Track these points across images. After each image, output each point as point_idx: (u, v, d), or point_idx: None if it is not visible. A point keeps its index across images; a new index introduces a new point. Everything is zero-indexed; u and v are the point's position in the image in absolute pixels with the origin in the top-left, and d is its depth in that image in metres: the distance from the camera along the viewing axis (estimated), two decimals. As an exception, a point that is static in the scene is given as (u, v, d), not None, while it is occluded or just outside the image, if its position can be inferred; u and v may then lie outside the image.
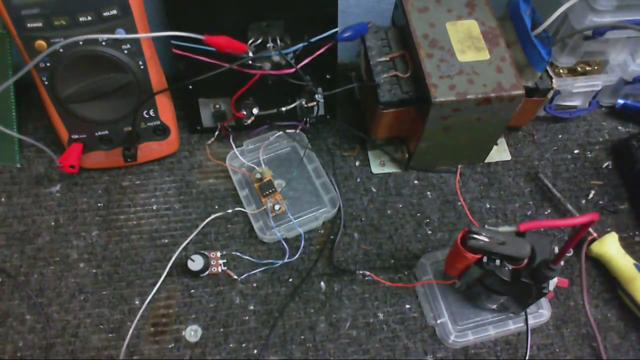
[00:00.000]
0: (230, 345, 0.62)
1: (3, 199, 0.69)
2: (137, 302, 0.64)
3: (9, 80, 0.58)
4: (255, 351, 0.62)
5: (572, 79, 0.72)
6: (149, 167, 0.72)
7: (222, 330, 0.63)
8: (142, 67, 0.62)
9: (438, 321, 0.63)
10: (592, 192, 0.73)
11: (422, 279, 0.65)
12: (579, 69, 0.73)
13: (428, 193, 0.72)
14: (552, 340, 0.64)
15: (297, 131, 0.73)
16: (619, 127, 0.78)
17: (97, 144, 0.68)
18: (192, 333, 0.62)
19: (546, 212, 0.71)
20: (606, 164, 0.75)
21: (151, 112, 0.67)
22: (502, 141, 0.76)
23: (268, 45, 0.63)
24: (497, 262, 0.53)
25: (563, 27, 0.68)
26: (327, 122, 0.76)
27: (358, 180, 0.72)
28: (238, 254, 0.66)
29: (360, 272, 0.65)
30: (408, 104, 0.65)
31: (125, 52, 0.60)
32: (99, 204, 0.69)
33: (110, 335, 0.62)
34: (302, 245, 0.67)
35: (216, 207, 0.70)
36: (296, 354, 0.62)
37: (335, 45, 0.66)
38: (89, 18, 0.57)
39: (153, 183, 0.71)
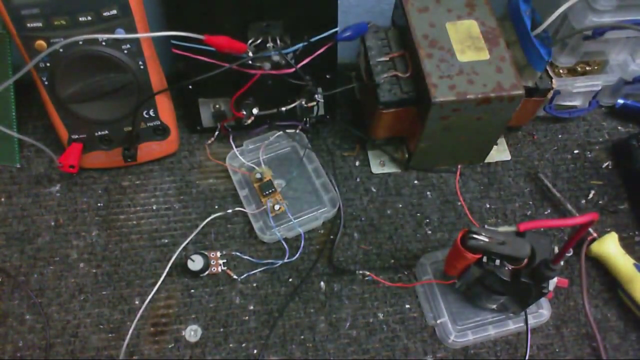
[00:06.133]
0: (230, 345, 0.62)
1: (3, 199, 0.69)
2: (137, 302, 0.64)
3: (9, 80, 0.58)
4: (255, 351, 0.62)
5: (572, 79, 0.72)
6: (149, 167, 0.72)
7: (222, 330, 0.63)
8: (142, 67, 0.62)
9: (438, 321, 0.63)
10: (592, 192, 0.73)
11: (422, 279, 0.65)
12: (578, 69, 0.73)
13: (428, 193, 0.72)
14: (552, 340, 0.64)
15: (297, 131, 0.73)
16: (619, 127, 0.78)
17: (97, 144, 0.68)
18: (192, 333, 0.62)
19: (546, 212, 0.72)
20: (606, 164, 0.75)
21: (151, 112, 0.67)
22: (502, 141, 0.76)
23: (268, 45, 0.63)
24: (497, 262, 0.53)
25: (563, 27, 0.68)
26: (327, 122, 0.76)
27: (358, 180, 0.72)
28: (238, 254, 0.66)
29: (360, 272, 0.65)
30: (408, 104, 0.65)
31: (125, 52, 0.60)
32: (99, 204, 0.69)
33: (110, 335, 0.62)
34: (302, 245, 0.67)
35: (216, 207, 0.70)
36: (296, 354, 0.62)
37: (335, 45, 0.66)
38: (89, 18, 0.57)
39: (153, 183, 0.71)
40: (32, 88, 0.63)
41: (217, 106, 0.71)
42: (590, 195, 0.73)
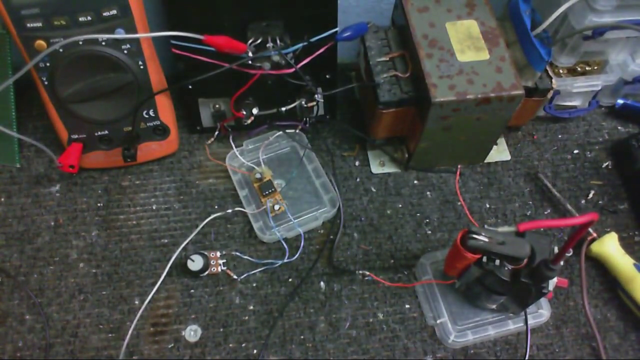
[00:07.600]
0: (230, 345, 0.62)
1: (3, 199, 0.69)
2: (136, 302, 0.64)
3: (9, 80, 0.58)
4: (255, 351, 0.62)
5: (572, 79, 0.72)
6: (149, 167, 0.72)
7: (221, 330, 0.63)
8: (141, 67, 0.62)
9: (438, 321, 0.63)
10: (592, 192, 0.73)
11: (421, 279, 0.65)
12: (578, 69, 0.73)
13: (428, 193, 0.72)
14: (552, 340, 0.64)
15: (297, 131, 0.73)
16: (619, 127, 0.78)
17: (97, 144, 0.68)
18: (192, 333, 0.62)
19: (546, 212, 0.71)
20: (606, 164, 0.75)
21: (151, 112, 0.67)
22: (502, 141, 0.76)
23: (268, 45, 0.63)
24: (497, 262, 0.53)
25: (563, 27, 0.68)
26: (327, 122, 0.76)
27: (358, 180, 0.72)
28: (238, 254, 0.66)
29: (360, 272, 0.65)
30: (408, 104, 0.65)
31: (125, 52, 0.60)
32: (98, 204, 0.69)
33: (110, 335, 0.62)
34: (301, 245, 0.67)
35: (216, 207, 0.70)
36: (296, 354, 0.62)
37: (335, 45, 0.66)
38: (89, 18, 0.57)
39: (153, 183, 0.71)
40: (32, 88, 0.63)
41: (217, 106, 0.71)
42: (590, 195, 0.73)
